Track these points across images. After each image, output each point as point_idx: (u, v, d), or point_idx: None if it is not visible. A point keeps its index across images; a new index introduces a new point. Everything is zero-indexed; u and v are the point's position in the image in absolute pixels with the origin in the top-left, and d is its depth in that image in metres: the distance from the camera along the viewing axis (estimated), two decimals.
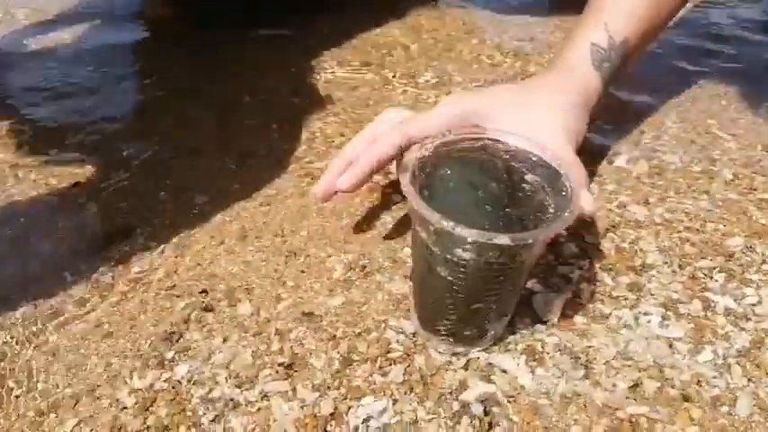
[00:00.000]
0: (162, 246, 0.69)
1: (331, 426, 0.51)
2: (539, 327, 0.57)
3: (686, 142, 0.78)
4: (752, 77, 0.90)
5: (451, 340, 0.54)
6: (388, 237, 0.68)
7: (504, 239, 0.43)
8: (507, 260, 0.46)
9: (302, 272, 0.65)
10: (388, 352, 0.56)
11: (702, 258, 0.63)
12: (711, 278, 0.61)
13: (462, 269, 0.47)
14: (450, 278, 0.48)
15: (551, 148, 0.51)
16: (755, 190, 0.71)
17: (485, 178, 0.52)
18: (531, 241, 0.44)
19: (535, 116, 0.60)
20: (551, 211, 0.49)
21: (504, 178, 0.52)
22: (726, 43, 0.99)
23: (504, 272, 0.47)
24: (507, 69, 0.98)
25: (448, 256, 0.47)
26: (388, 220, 0.70)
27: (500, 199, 0.51)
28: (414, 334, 0.57)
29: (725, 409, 0.51)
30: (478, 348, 0.55)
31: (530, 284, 0.61)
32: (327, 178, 0.61)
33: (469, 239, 0.43)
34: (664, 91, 0.89)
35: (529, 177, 0.51)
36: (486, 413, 0.51)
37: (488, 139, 0.52)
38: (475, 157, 0.52)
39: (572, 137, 0.61)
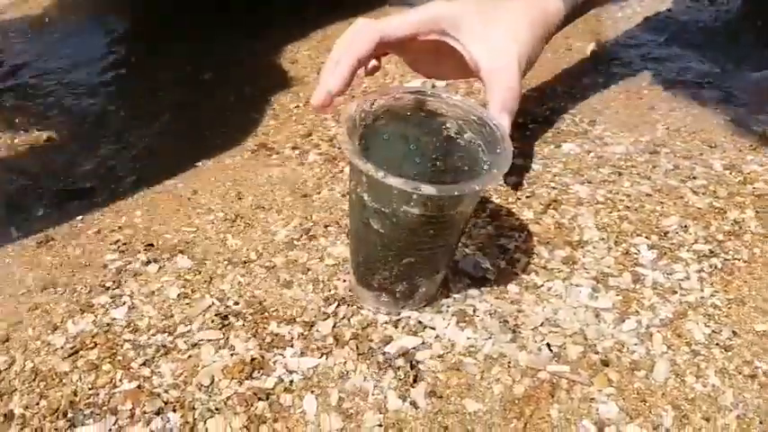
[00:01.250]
0: (116, 204, 0.69)
1: (258, 373, 0.52)
2: (472, 292, 0.59)
3: (633, 134, 0.80)
4: (697, 77, 0.93)
5: (384, 296, 0.55)
6: (335, 203, 0.69)
7: (429, 189, 0.44)
8: (436, 212, 0.47)
9: (246, 234, 0.65)
10: (321, 308, 0.57)
11: (638, 236, 0.65)
12: (644, 255, 0.63)
13: (393, 221, 0.48)
14: (381, 230, 0.50)
15: (498, 65, 0.60)
16: (695, 178, 0.73)
17: (419, 132, 0.53)
18: (456, 193, 0.45)
19: (495, 29, 0.63)
20: (485, 168, 0.51)
21: (439, 133, 0.53)
22: (676, 46, 1.02)
23: (433, 225, 0.49)
24: None
25: (378, 207, 0.48)
26: (336, 189, 0.71)
27: (432, 152, 0.52)
28: (350, 292, 0.58)
29: (642, 373, 0.52)
30: (410, 307, 0.56)
31: (467, 251, 0.62)
32: (320, 87, 0.59)
33: (396, 188, 0.44)
34: (616, 87, 0.91)
35: (466, 135, 0.53)
36: (411, 367, 0.52)
37: (432, 95, 0.54)
38: (413, 112, 0.54)
39: (524, 54, 0.64)
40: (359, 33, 0.59)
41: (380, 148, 0.51)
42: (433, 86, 0.89)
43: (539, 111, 0.84)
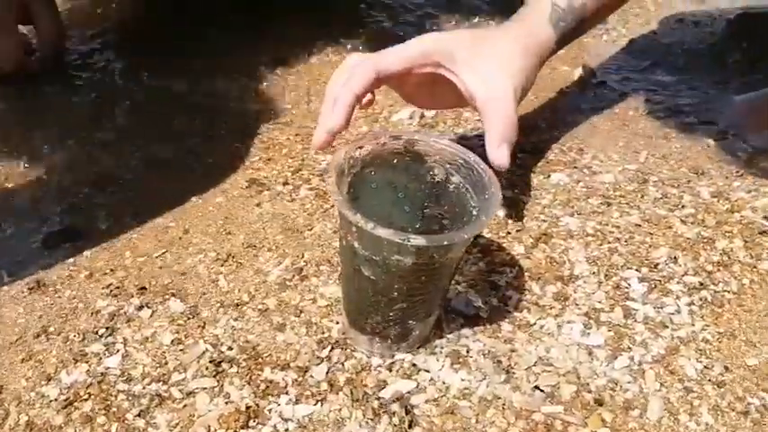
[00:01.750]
0: (107, 245, 0.69)
1: (254, 422, 0.52)
2: (465, 332, 0.59)
3: (621, 163, 0.81)
4: (682, 101, 0.94)
5: (377, 339, 0.55)
6: (326, 240, 0.69)
7: (419, 240, 0.44)
8: (427, 260, 0.48)
9: (238, 274, 0.65)
10: (314, 352, 0.57)
11: (628, 268, 0.66)
12: (634, 288, 0.64)
13: (384, 269, 0.49)
14: (372, 278, 0.50)
15: (494, 95, 0.61)
16: (683, 207, 0.74)
17: (406, 179, 0.54)
18: (446, 243, 0.45)
19: (489, 60, 0.64)
20: (474, 213, 0.51)
21: (426, 179, 0.54)
22: (661, 70, 1.03)
23: (424, 272, 0.49)
24: None
25: (369, 255, 0.48)
26: (328, 225, 0.71)
27: (420, 200, 0.53)
28: (343, 335, 0.58)
29: (636, 412, 0.53)
30: (404, 349, 0.56)
31: (459, 289, 0.63)
32: (320, 127, 0.60)
33: (386, 239, 0.45)
34: (603, 114, 0.92)
35: (454, 179, 0.54)
36: (407, 412, 0.52)
37: (419, 140, 0.54)
38: (400, 159, 0.54)
39: (519, 83, 0.65)
40: (355, 69, 0.59)
41: (369, 197, 0.51)
42: (422, 116, 0.89)
43: (526, 140, 0.85)
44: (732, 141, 0.84)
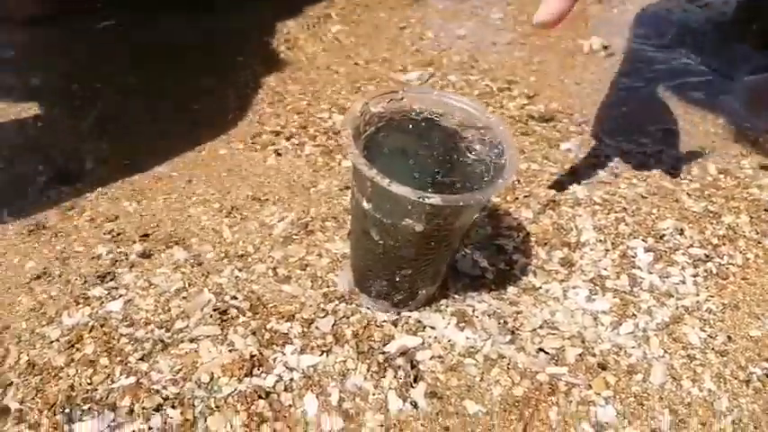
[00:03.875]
0: (109, 190, 0.68)
1: (258, 370, 0.51)
2: (471, 293, 0.59)
3: (628, 135, 0.80)
4: (691, 79, 0.93)
5: (383, 301, 0.55)
6: (333, 197, 0.68)
7: (434, 199, 0.43)
8: (437, 226, 0.47)
9: (243, 226, 0.65)
10: (320, 305, 0.57)
11: (634, 238, 0.66)
12: (640, 257, 0.64)
13: (393, 233, 0.48)
14: (381, 242, 0.49)
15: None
16: (690, 182, 0.73)
17: (418, 145, 0.52)
18: (461, 204, 0.44)
19: None
20: (486, 178, 0.50)
21: (440, 145, 0.52)
22: (670, 47, 1.02)
23: (434, 238, 0.48)
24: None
25: (379, 217, 0.47)
26: (334, 182, 0.71)
27: (431, 167, 0.51)
28: (348, 290, 0.58)
29: (639, 377, 0.53)
30: (410, 309, 0.56)
31: (466, 251, 0.62)
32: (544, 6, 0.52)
33: (399, 197, 0.43)
34: (612, 86, 0.91)
35: (469, 143, 0.52)
36: (412, 366, 0.52)
37: (437, 95, 0.53)
38: (414, 123, 0.52)
39: None
40: None
41: (381, 162, 0.50)
42: (432, 75, 0.88)
43: (535, 109, 0.84)
44: (740, 121, 0.84)
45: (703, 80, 0.93)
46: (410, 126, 0.52)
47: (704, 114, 0.86)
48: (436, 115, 0.53)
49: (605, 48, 0.99)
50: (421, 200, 0.43)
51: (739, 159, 0.78)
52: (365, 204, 0.48)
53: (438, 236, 0.48)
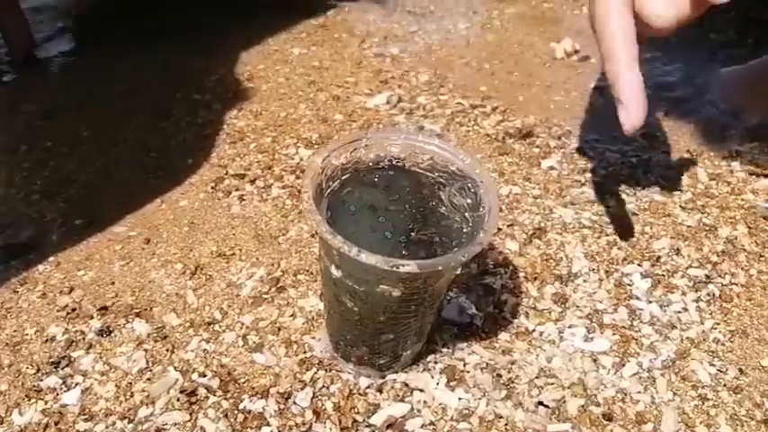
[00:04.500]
0: (61, 259, 0.63)
1: None
2: (460, 344, 0.54)
3: (612, 145, 0.76)
4: (669, 78, 0.89)
5: (363, 369, 0.50)
6: (304, 245, 0.64)
7: (410, 267, 0.39)
8: (417, 289, 0.42)
9: (209, 288, 0.60)
10: (296, 374, 0.52)
11: (629, 263, 0.61)
12: (637, 285, 0.59)
13: (368, 300, 0.43)
14: (356, 309, 0.44)
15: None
16: (682, 192, 0.69)
17: (387, 200, 0.47)
18: (440, 268, 0.40)
19: None
20: (465, 230, 0.45)
21: (411, 198, 0.47)
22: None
23: (414, 302, 0.44)
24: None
25: (351, 285, 0.43)
26: (304, 228, 0.66)
27: (404, 223, 0.46)
28: (326, 354, 0.53)
29: (649, 427, 0.49)
30: (394, 371, 0.51)
31: (451, 295, 0.58)
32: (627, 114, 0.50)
33: (373, 266, 0.39)
34: (588, 91, 0.87)
35: (444, 193, 0.47)
36: None
37: (405, 139, 0.48)
38: (381, 174, 0.48)
39: None
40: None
41: (347, 222, 0.45)
42: (399, 100, 0.84)
43: (511, 125, 0.80)
44: (724, 118, 0.80)
45: (683, 75, 0.89)
46: (377, 177, 0.47)
47: (686, 112, 0.81)
48: (405, 162, 0.48)
49: (576, 51, 0.95)
50: (395, 268, 0.39)
51: (729, 161, 0.74)
52: (335, 272, 0.43)
53: (419, 298, 0.44)
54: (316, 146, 0.76)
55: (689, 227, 0.65)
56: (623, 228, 0.65)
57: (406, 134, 0.48)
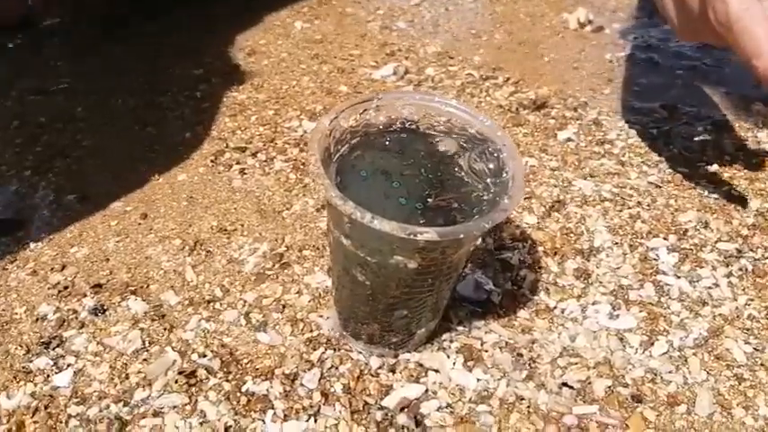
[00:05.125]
0: (53, 236, 0.59)
1: None
2: (476, 322, 0.51)
3: (630, 115, 0.72)
4: (685, 51, 0.86)
5: (376, 346, 0.47)
6: (309, 220, 0.60)
7: (428, 234, 0.35)
8: (434, 260, 0.39)
9: (209, 264, 0.56)
10: (303, 355, 0.48)
11: (654, 236, 0.58)
12: (664, 260, 0.56)
13: (381, 273, 0.40)
14: (366, 282, 0.41)
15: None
16: (707, 164, 0.66)
17: (402, 164, 0.43)
18: (462, 236, 0.36)
19: None
20: (487, 197, 0.41)
21: (427, 161, 0.43)
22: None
23: (431, 274, 0.40)
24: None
25: (363, 256, 0.39)
26: (309, 202, 0.62)
27: (420, 189, 0.42)
28: (335, 333, 0.50)
29: (682, 408, 0.45)
30: (407, 350, 0.48)
31: (466, 271, 0.54)
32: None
33: (389, 234, 0.35)
34: (603, 62, 0.83)
35: (463, 157, 0.43)
36: (417, 424, 0.44)
37: (420, 100, 0.44)
38: (394, 136, 0.44)
39: None
40: None
41: (359, 188, 0.41)
42: (407, 72, 0.80)
43: (524, 96, 0.76)
44: (749, 90, 0.76)
45: (701, 46, 0.85)
46: (389, 140, 0.44)
47: (710, 84, 0.78)
48: (420, 124, 0.44)
49: (590, 22, 0.91)
50: (413, 236, 0.35)
51: (756, 132, 0.70)
52: (345, 242, 0.40)
53: (436, 271, 0.40)
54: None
55: (716, 199, 0.62)
56: (646, 199, 0.61)
57: (420, 95, 0.44)
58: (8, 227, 0.61)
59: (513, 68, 0.81)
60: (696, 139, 0.69)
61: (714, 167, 0.65)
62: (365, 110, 0.43)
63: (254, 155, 0.68)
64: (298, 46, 0.87)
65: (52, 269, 0.57)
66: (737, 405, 0.45)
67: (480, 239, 0.57)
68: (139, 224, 0.61)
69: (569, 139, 0.69)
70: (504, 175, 0.41)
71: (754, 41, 0.45)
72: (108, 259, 0.57)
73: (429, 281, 0.41)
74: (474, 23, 0.92)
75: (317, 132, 0.40)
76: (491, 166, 0.42)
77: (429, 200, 0.41)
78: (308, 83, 0.79)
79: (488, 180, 0.42)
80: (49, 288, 0.55)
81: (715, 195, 0.62)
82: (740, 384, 0.47)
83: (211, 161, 0.67)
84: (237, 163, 0.67)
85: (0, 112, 0.75)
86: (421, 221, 0.40)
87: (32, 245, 0.59)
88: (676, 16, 0.54)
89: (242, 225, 0.60)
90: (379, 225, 0.35)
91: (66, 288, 0.55)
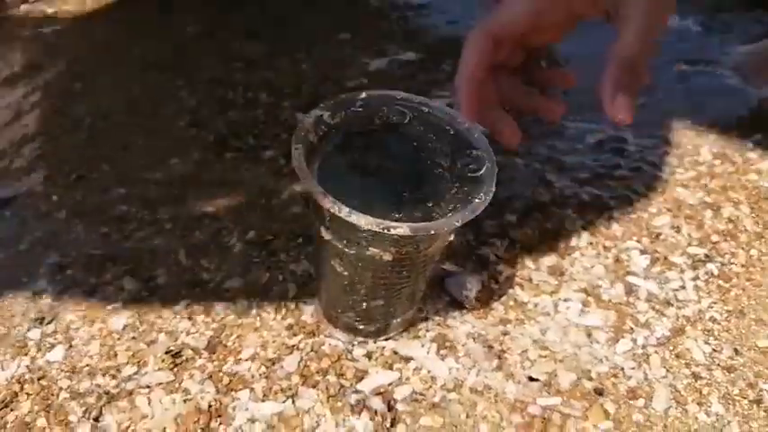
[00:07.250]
0: (48, 212, 0.62)
1: (216, 423, 0.46)
2: (452, 313, 0.53)
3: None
4: (676, 48, 0.87)
5: (352, 335, 0.49)
6: (297, 209, 0.62)
7: (402, 229, 0.37)
8: (408, 254, 0.41)
9: (199, 249, 0.59)
10: (284, 339, 0.51)
11: (628, 239, 0.60)
12: (636, 261, 0.58)
13: (358, 264, 0.42)
14: (346, 273, 0.43)
15: None
16: (684, 170, 0.68)
17: (381, 159, 0.45)
18: (433, 232, 0.39)
19: None
20: (461, 195, 0.43)
21: (406, 158, 0.45)
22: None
23: (406, 267, 0.42)
24: None
25: (341, 248, 0.41)
26: (298, 189, 0.64)
27: (398, 183, 0.44)
28: (316, 320, 0.52)
29: (640, 402, 0.48)
30: (384, 336, 0.51)
31: (444, 265, 0.56)
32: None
33: (364, 228, 0.38)
34: (591, 58, 0.85)
35: (440, 156, 0.45)
36: (389, 408, 0.47)
37: (400, 101, 0.46)
38: (373, 133, 0.46)
39: None
40: (466, 44, 0.48)
41: (340, 183, 0.42)
42: (401, 66, 0.82)
43: None
44: (734, 95, 0.78)
45: (695, 45, 0.86)
46: (371, 138, 0.46)
47: (694, 89, 0.80)
48: (401, 123, 0.46)
49: None
50: (386, 230, 0.37)
51: (734, 141, 0.72)
52: (325, 234, 0.42)
53: (411, 263, 0.43)
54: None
55: (690, 205, 0.64)
56: (623, 202, 0.63)
57: (403, 94, 0.46)
58: (5, 201, 0.63)
59: None
60: (676, 145, 0.71)
61: (691, 174, 0.67)
62: (349, 107, 0.45)
63: (246, 141, 0.70)
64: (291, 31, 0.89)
65: (47, 246, 0.59)
66: (692, 401, 0.48)
67: (459, 235, 0.59)
68: (135, 211, 0.63)
69: (549, 139, 0.71)
70: (479, 174, 0.43)
71: None
72: (98, 239, 0.60)
73: (404, 273, 0.43)
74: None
75: (301, 128, 0.42)
76: (469, 164, 0.44)
77: (405, 194, 0.43)
78: (305, 70, 0.81)
79: (465, 178, 0.44)
80: (44, 265, 0.57)
81: (690, 201, 0.64)
82: (696, 382, 0.49)
83: (203, 147, 0.70)
84: (228, 150, 0.69)
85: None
86: (397, 216, 0.42)
87: (28, 220, 0.61)
88: None
89: (231, 211, 0.62)
90: (355, 219, 0.37)
91: (60, 267, 0.57)
